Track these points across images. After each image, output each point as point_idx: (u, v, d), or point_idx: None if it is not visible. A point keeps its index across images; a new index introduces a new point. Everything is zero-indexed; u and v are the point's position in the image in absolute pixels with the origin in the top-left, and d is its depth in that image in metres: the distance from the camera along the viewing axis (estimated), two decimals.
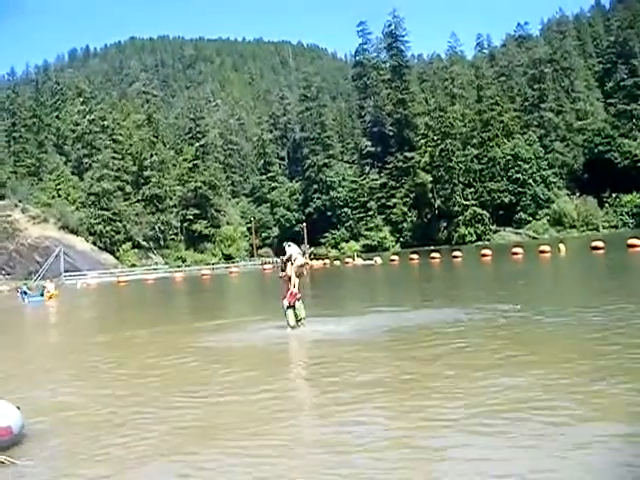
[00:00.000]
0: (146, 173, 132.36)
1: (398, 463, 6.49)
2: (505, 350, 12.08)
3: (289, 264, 16.83)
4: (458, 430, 7.31)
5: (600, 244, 54.63)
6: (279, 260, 17.27)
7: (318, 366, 12.44)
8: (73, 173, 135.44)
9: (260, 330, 17.63)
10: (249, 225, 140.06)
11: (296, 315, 16.74)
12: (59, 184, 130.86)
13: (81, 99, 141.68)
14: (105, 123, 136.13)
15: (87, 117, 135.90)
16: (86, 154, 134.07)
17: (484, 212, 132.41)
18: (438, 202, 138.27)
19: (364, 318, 18.51)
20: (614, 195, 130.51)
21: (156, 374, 12.48)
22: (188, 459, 7.06)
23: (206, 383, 11.27)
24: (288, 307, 16.74)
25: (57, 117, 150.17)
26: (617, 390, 8.53)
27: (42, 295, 46.88)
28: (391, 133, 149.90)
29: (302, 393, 10.83)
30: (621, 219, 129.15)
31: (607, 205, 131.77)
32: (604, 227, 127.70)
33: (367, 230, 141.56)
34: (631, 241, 51.97)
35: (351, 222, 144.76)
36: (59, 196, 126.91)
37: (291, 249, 17.13)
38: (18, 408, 8.00)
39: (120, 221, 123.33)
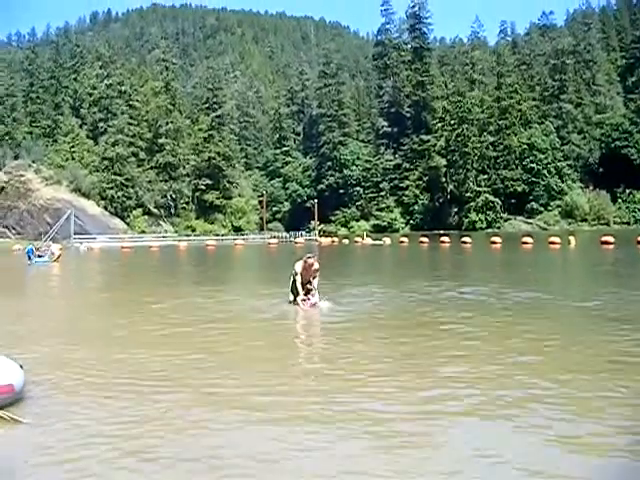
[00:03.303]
0: (161, 140, 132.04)
1: None
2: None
3: (298, 283, 16.67)
4: None
5: (610, 239, 54.58)
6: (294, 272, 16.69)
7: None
8: (88, 137, 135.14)
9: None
10: (260, 198, 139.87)
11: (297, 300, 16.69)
12: (73, 147, 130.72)
13: (100, 63, 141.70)
14: (122, 88, 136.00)
15: (105, 81, 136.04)
16: (102, 118, 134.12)
17: (496, 200, 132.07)
18: (451, 187, 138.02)
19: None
20: (628, 191, 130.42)
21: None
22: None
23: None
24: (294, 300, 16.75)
25: (75, 80, 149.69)
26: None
27: (43, 256, 46.78)
28: (408, 115, 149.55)
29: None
30: (633, 216, 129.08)
31: (620, 201, 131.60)
32: (615, 222, 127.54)
33: (378, 210, 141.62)
34: None
35: (362, 201, 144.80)
36: (73, 159, 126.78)
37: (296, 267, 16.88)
38: (21, 367, 8.04)
39: (132, 187, 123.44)
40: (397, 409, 7.41)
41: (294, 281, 16.63)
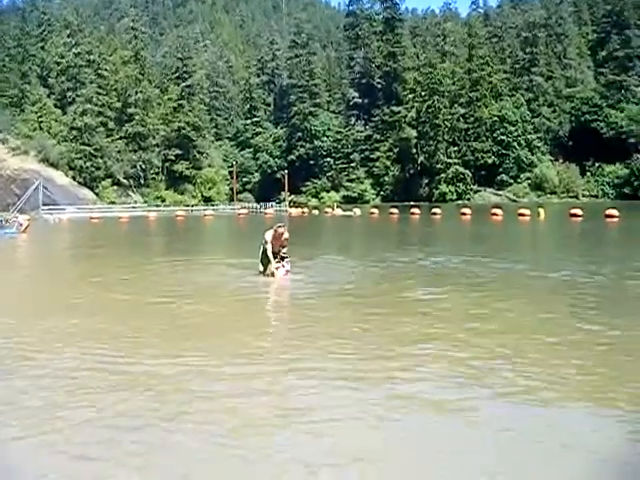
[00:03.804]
0: (130, 110, 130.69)
1: None
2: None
3: (269, 252, 16.48)
4: None
5: (579, 212, 54.99)
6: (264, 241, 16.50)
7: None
8: (56, 106, 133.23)
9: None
10: (231, 169, 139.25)
11: (268, 268, 16.56)
12: (41, 116, 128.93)
13: (68, 31, 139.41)
14: (91, 57, 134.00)
15: (73, 50, 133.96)
16: (70, 87, 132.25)
17: (466, 171, 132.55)
18: (421, 158, 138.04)
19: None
20: (597, 165, 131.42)
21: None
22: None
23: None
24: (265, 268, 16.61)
25: (42, 48, 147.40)
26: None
27: (11, 228, 46.51)
28: (379, 86, 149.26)
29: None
30: (602, 189, 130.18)
31: (589, 174, 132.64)
32: (584, 195, 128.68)
33: (348, 181, 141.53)
34: (609, 211, 52.31)
35: (333, 172, 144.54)
36: (41, 129, 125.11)
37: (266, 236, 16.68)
38: None
39: (101, 157, 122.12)
40: (352, 390, 7.22)
41: (264, 250, 16.46)
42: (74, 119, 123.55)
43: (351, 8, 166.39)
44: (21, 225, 45.96)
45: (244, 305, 13.03)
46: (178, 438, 5.78)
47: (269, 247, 16.27)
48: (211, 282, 16.20)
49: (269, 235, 16.31)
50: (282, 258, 16.39)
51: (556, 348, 8.84)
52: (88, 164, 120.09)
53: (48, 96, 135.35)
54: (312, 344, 9.22)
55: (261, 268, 16.62)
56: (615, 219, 49.87)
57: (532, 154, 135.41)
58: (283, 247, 16.47)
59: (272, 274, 16.23)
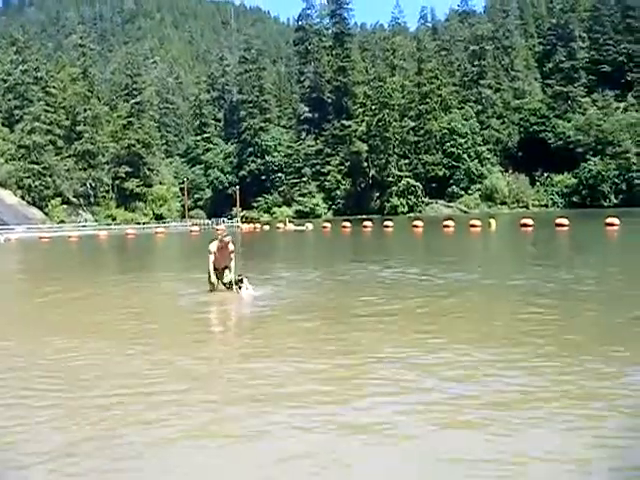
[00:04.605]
0: (79, 128, 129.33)
1: None
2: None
3: (210, 262, 16.07)
4: None
5: (529, 222, 55.54)
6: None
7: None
8: (3, 124, 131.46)
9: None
10: (182, 186, 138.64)
11: (213, 283, 16.20)
12: None
13: (14, 48, 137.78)
14: (39, 75, 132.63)
15: (20, 67, 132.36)
16: (17, 105, 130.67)
17: (417, 184, 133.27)
18: (372, 172, 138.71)
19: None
20: (546, 174, 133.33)
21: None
22: None
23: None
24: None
25: None
26: None
27: None
28: (329, 100, 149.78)
29: None
30: (551, 198, 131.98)
31: (538, 184, 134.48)
32: (534, 205, 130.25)
33: (300, 196, 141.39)
34: (559, 220, 53.40)
35: (284, 187, 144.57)
36: None
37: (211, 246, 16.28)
38: None
39: (50, 176, 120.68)
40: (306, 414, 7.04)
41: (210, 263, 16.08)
42: (22, 137, 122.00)
43: (300, 23, 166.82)
44: None
45: (193, 322, 12.73)
46: None
47: (211, 257, 15.86)
48: (155, 300, 15.82)
49: (214, 246, 15.92)
50: (239, 280, 15.94)
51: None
52: (37, 183, 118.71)
53: None
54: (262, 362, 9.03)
55: (211, 283, 16.26)
56: (565, 227, 50.67)
57: (482, 165, 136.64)
58: (230, 260, 16.11)
59: (211, 286, 15.93)
